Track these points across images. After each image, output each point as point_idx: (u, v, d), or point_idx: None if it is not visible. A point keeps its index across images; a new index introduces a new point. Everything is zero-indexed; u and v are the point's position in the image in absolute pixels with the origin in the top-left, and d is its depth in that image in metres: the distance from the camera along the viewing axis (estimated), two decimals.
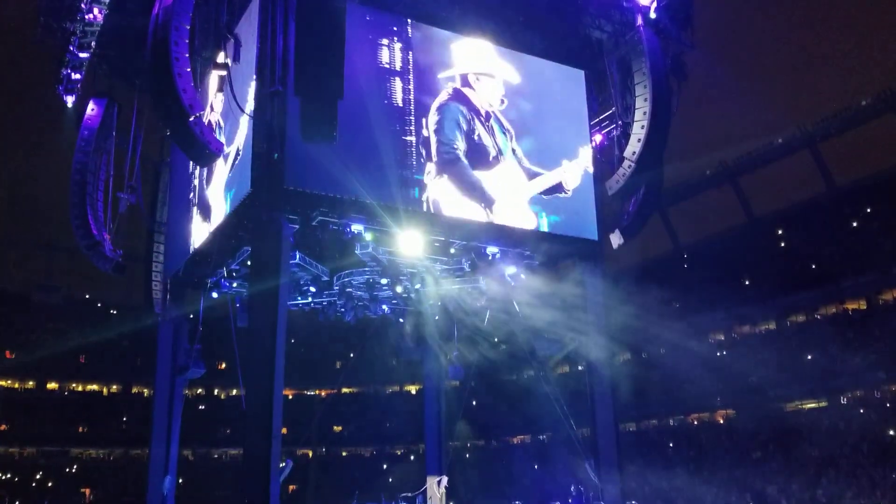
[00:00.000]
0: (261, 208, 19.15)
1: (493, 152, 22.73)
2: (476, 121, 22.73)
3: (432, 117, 22.07)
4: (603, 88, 24.98)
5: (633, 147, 22.03)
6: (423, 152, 21.60)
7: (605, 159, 24.47)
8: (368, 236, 21.49)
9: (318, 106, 17.11)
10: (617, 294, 25.67)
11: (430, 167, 21.59)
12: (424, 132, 21.74)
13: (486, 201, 22.30)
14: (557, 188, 23.69)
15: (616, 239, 24.36)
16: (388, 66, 21.63)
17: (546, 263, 25.12)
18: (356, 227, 20.95)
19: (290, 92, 17.68)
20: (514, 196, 22.83)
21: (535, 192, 23.27)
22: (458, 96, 22.69)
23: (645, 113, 21.74)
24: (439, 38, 22.82)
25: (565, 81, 24.82)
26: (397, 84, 21.64)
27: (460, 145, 22.27)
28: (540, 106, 24.12)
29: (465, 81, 22.87)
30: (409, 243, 21.92)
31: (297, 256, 22.85)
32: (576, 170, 24.04)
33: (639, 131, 21.98)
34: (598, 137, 24.82)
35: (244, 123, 19.97)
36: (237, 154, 20.58)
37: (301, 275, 24.47)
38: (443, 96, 22.38)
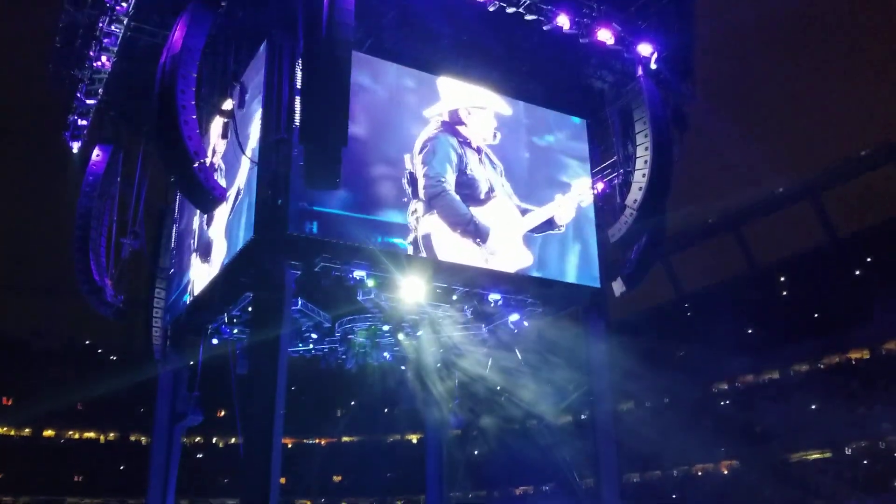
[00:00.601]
0: (263, 255, 19.12)
1: (485, 187, 22.44)
2: (468, 154, 22.47)
3: (419, 152, 21.68)
4: (605, 137, 25.11)
5: (635, 195, 22.09)
6: (409, 190, 21.25)
7: (608, 207, 24.44)
8: (371, 283, 21.34)
9: (323, 153, 17.24)
10: (620, 342, 25.47)
11: (416, 205, 21.20)
12: (409, 167, 21.40)
13: (480, 235, 21.94)
14: (550, 224, 23.33)
15: (618, 287, 24.24)
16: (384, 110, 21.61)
17: (549, 311, 24.99)
18: (358, 274, 20.82)
19: (295, 139, 17.82)
20: (508, 232, 22.51)
21: (528, 228, 22.94)
22: (448, 129, 22.43)
23: (646, 161, 21.84)
24: (425, 75, 22.72)
25: (566, 129, 24.95)
26: (393, 127, 21.68)
27: (449, 178, 21.92)
28: (539, 149, 24.09)
29: (457, 117, 22.64)
30: (411, 290, 21.81)
31: (300, 303, 22.73)
32: (569, 204, 23.76)
33: (640, 179, 22.06)
34: (600, 185, 24.89)
35: (245, 164, 20.09)
36: (238, 194, 20.65)
37: (303, 321, 24.32)
38: (430, 129, 22.08)
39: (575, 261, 23.74)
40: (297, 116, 17.98)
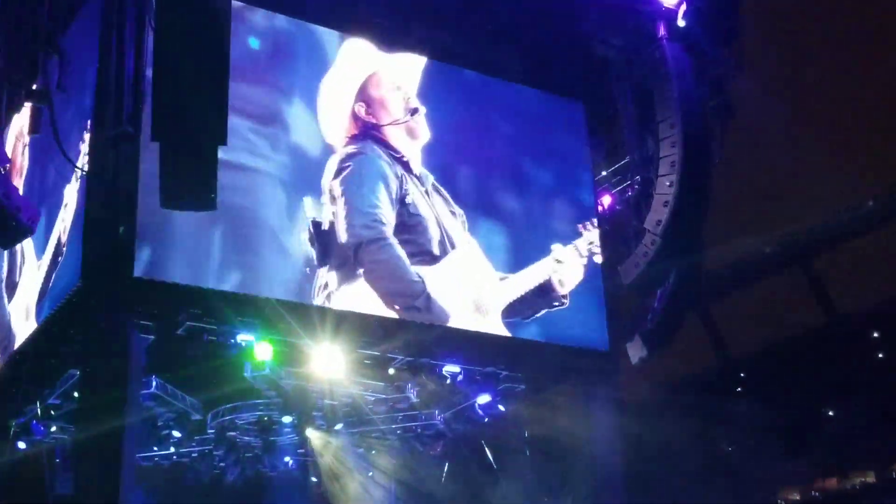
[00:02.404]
0: (97, 310, 18.81)
1: (437, 234, 21.89)
2: (407, 181, 21.87)
3: (334, 176, 20.99)
4: (612, 128, 25.41)
5: (658, 214, 22.30)
6: (315, 254, 20.46)
7: (617, 232, 24.71)
8: (264, 352, 21.21)
9: (189, 156, 17.01)
10: (638, 431, 25.59)
11: (328, 276, 20.46)
12: (313, 213, 20.59)
13: (435, 316, 21.71)
14: (547, 294, 23.17)
15: (636, 350, 24.34)
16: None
17: (534, 388, 25.06)
18: (245, 338, 20.66)
19: (146, 136, 17.61)
20: (479, 310, 22.26)
21: (509, 300, 22.65)
22: (369, 137, 21.82)
23: (674, 164, 22.07)
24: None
25: (556, 118, 25.15)
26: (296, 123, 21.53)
27: (387, 216, 21.14)
28: (515, 157, 24.28)
29: (370, 125, 21.99)
30: (327, 361, 21.73)
31: (154, 383, 22.50)
32: (574, 260, 23.75)
33: (665, 191, 22.29)
34: (606, 199, 25.13)
35: (71, 195, 19.80)
36: (59, 249, 20.34)
37: (159, 411, 24.13)
38: (344, 143, 21.47)
39: (570, 313, 23.89)
40: (149, 100, 17.75)
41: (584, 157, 25.22)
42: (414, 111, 22.52)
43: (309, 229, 20.56)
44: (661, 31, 22.97)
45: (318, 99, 21.65)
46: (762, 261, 57.47)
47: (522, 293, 22.90)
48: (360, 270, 20.76)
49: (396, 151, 22.01)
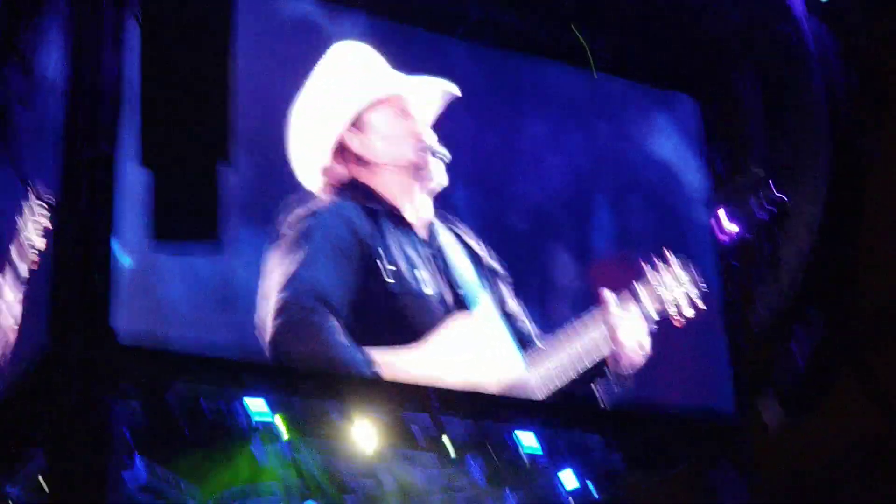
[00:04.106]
0: (69, 378, 19.06)
1: (435, 300, 19.73)
2: (390, 234, 19.55)
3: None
4: (731, 131, 25.36)
5: (800, 240, 22.36)
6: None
7: (745, 264, 24.69)
8: (280, 423, 21.37)
9: (185, 181, 17.28)
10: None
11: None
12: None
13: None
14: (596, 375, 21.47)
15: (773, 414, 24.30)
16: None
17: (639, 466, 24.96)
18: (256, 405, 20.74)
19: (127, 157, 17.96)
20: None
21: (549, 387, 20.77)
22: (340, 192, 19.49)
23: (817, 177, 22.08)
24: None
25: (650, 118, 25.14)
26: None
27: (334, 295, 18.72)
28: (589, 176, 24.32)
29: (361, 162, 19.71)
30: (364, 435, 21.81)
31: (139, 466, 22.68)
32: (633, 326, 21.16)
33: (807, 209, 22.31)
34: (733, 227, 25.04)
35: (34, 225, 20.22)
36: (21, 278, 20.68)
37: (145, 501, 24.23)
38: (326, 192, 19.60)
39: (679, 366, 23.86)
40: (128, 113, 18.09)
41: (694, 169, 25.14)
42: (432, 151, 20.12)
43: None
44: (797, 5, 22.94)
45: (290, 114, 19.82)
46: None
47: (558, 384, 20.57)
48: None
49: (381, 201, 19.79)
